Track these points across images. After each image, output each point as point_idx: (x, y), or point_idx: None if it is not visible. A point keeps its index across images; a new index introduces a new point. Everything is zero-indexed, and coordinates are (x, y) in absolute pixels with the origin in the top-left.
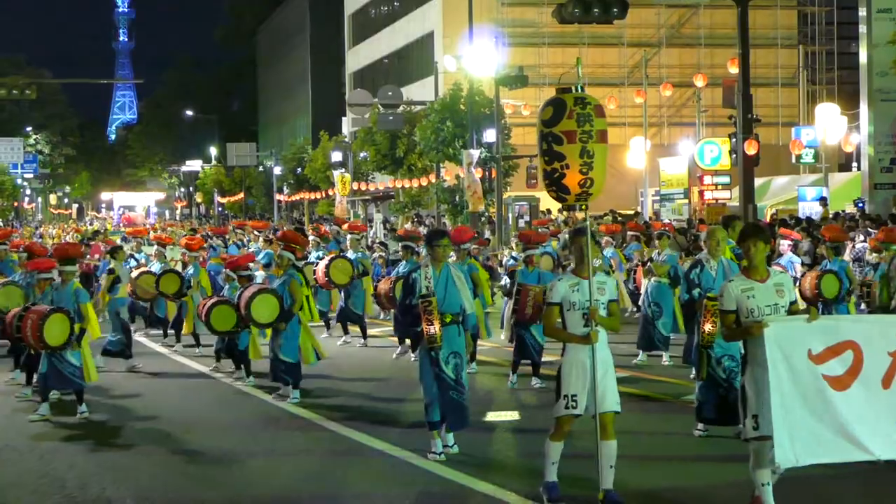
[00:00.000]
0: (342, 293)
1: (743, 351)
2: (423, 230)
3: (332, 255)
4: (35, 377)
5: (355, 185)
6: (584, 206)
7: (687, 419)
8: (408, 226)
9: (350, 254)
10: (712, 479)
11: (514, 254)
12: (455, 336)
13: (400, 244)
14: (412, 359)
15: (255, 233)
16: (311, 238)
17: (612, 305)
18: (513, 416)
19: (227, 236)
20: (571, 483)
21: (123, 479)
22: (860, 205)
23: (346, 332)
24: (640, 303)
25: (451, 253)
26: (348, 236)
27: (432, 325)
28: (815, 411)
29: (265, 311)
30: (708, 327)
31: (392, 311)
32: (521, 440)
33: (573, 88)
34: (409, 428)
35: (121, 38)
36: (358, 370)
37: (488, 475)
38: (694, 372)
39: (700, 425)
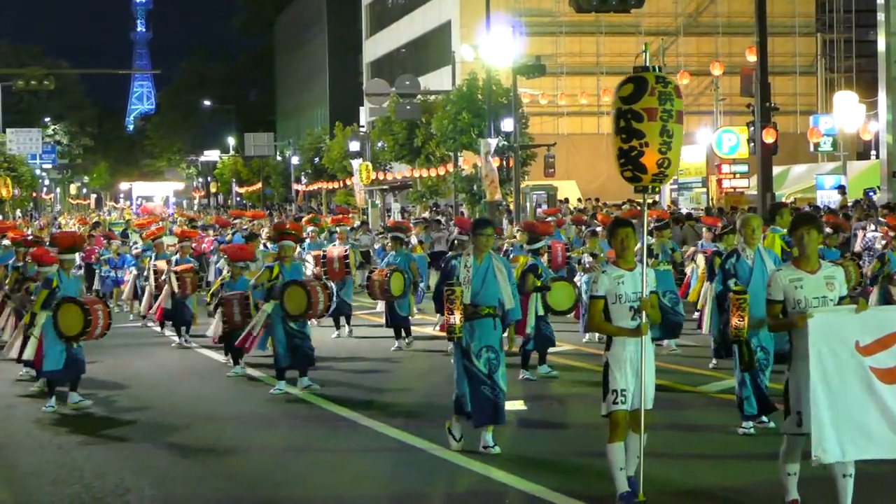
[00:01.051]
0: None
1: (788, 345)
2: (441, 220)
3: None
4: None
5: (372, 175)
6: (657, 189)
7: (719, 413)
8: (426, 215)
9: (340, 246)
10: (749, 476)
11: (514, 243)
12: (489, 330)
13: (389, 235)
14: (392, 348)
15: (255, 223)
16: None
17: (652, 297)
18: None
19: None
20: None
21: (141, 469)
22: (870, 194)
23: (337, 326)
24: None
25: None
26: (338, 229)
27: (453, 314)
28: (863, 405)
29: None
30: (735, 321)
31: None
32: (536, 432)
33: (654, 68)
34: (426, 417)
35: (138, 29)
36: (372, 360)
37: (507, 467)
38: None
39: (747, 423)
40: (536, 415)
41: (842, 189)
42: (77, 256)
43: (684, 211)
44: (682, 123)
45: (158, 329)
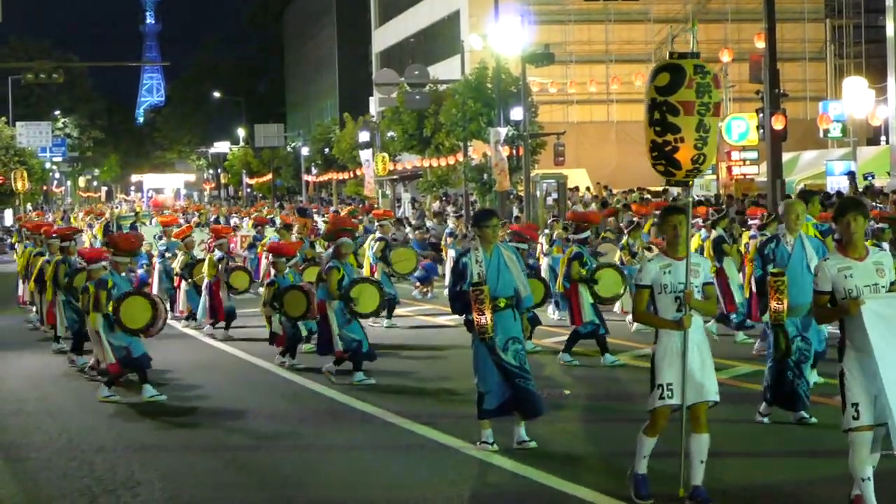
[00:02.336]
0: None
1: (840, 337)
2: (450, 209)
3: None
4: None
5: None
6: (690, 182)
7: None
8: (436, 205)
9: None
10: (804, 474)
11: (556, 237)
12: (510, 321)
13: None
14: (384, 325)
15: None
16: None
17: (707, 288)
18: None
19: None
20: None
21: (152, 462)
22: (869, 177)
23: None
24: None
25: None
26: (381, 223)
27: (483, 314)
28: None
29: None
30: (774, 304)
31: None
32: (570, 428)
33: (694, 54)
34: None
35: (147, 21)
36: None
37: (547, 466)
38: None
39: (764, 407)
40: (574, 410)
41: (851, 175)
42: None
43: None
44: (719, 115)
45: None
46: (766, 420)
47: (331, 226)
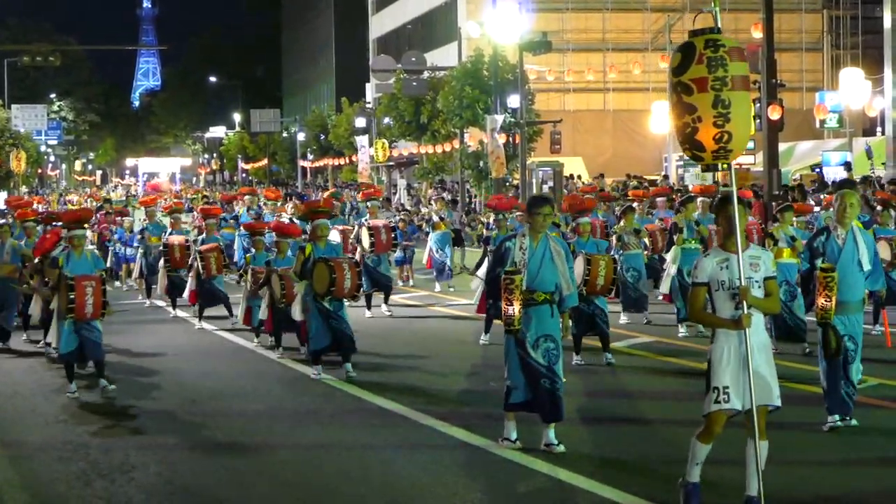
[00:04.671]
0: (367, 263)
1: None
2: (446, 196)
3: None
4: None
5: (389, 152)
6: (724, 166)
7: (802, 410)
8: (431, 192)
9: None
10: (859, 483)
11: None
12: (546, 317)
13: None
14: (368, 314)
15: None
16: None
17: (769, 283)
18: None
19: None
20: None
21: (147, 446)
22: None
23: (369, 306)
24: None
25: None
26: (369, 203)
27: (511, 304)
28: None
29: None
30: (822, 301)
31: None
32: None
33: (713, 29)
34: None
35: (144, 5)
36: (400, 343)
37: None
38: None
39: (832, 417)
40: (606, 411)
41: (847, 165)
42: (88, 233)
43: (690, 187)
44: (748, 88)
45: (170, 309)
46: (834, 424)
47: (305, 206)
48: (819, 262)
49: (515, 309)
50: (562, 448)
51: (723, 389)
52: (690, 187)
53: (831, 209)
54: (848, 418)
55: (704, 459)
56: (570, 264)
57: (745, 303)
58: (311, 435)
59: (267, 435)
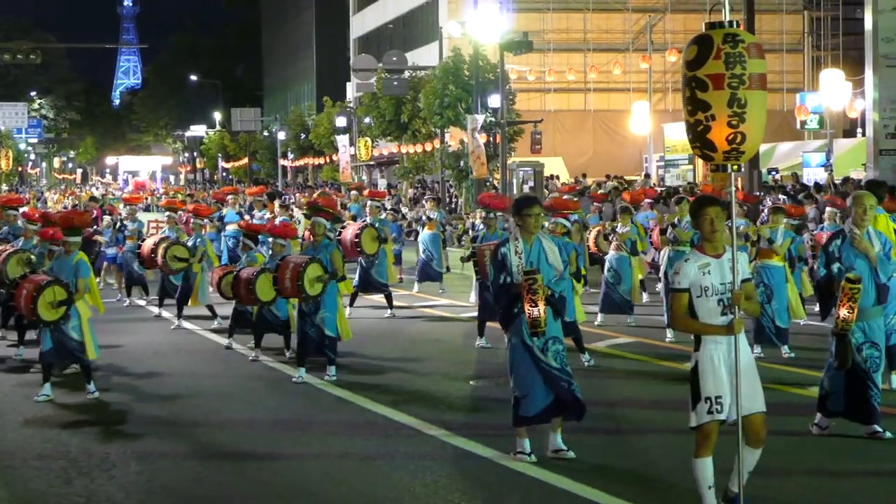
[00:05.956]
0: (362, 263)
1: None
2: (427, 194)
3: (362, 224)
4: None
5: (373, 152)
6: (735, 167)
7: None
8: (411, 192)
9: (369, 220)
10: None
11: (476, 222)
12: (550, 319)
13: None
14: (347, 311)
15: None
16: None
17: (747, 286)
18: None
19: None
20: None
21: (128, 444)
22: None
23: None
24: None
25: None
26: (368, 202)
27: (537, 306)
28: None
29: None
30: (844, 312)
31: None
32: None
33: (731, 23)
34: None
35: (125, 3)
36: (396, 346)
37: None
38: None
39: (820, 418)
40: (603, 420)
41: (828, 167)
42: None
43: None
44: (765, 88)
45: (154, 309)
46: (822, 429)
47: (308, 205)
48: (836, 268)
49: (541, 309)
50: (571, 454)
51: (715, 399)
52: (694, 188)
53: (828, 210)
54: (880, 430)
55: (714, 480)
56: (563, 257)
57: (736, 308)
58: (291, 434)
59: (246, 434)
